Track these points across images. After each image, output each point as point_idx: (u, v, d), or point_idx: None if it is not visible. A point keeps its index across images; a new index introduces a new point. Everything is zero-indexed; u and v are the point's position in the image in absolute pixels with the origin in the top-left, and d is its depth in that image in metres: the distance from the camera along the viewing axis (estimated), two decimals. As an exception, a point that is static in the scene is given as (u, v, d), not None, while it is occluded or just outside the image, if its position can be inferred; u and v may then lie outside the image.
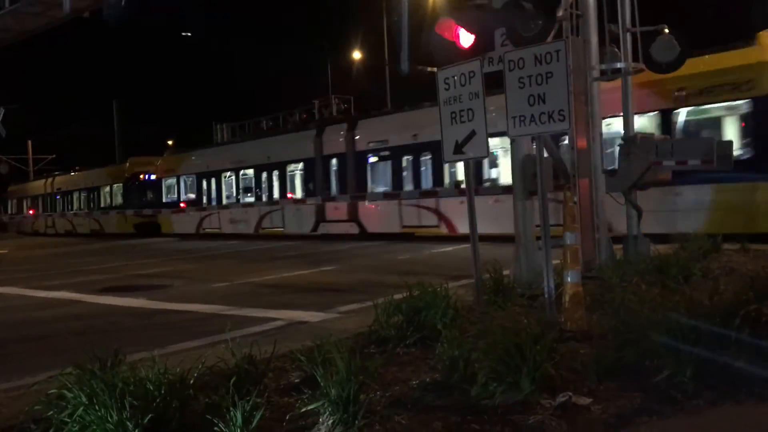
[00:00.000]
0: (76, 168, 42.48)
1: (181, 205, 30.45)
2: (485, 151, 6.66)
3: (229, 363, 4.36)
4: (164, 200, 31.61)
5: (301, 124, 27.87)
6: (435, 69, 7.42)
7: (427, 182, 20.00)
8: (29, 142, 56.03)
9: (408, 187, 20.53)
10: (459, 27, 7.42)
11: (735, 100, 13.44)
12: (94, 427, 3.48)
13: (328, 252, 17.98)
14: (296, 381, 4.57)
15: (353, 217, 22.12)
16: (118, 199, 35.90)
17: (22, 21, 18.73)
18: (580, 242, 6.74)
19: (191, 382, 3.94)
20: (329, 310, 8.07)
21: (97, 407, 3.52)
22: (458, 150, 6.68)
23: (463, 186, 17.69)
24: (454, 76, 6.63)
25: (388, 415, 3.83)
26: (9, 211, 52.84)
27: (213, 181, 28.74)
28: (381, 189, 21.63)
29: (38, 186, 46.73)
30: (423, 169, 20.05)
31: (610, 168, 11.15)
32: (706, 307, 4.51)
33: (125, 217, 33.55)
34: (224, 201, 28.11)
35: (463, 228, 16.80)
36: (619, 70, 9.67)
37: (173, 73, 74.97)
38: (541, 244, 6.27)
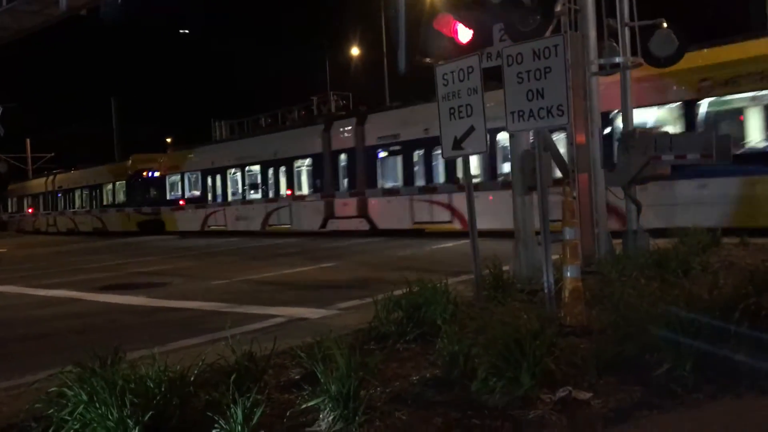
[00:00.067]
0: (77, 166, 42.31)
1: (181, 202, 30.35)
2: (484, 147, 6.66)
3: (230, 360, 4.36)
4: (168, 197, 31.42)
5: (308, 119, 27.69)
6: (435, 61, 7.39)
7: (438, 177, 19.73)
8: (28, 141, 56.06)
9: (420, 182, 20.24)
10: (457, 22, 7.42)
11: (763, 90, 13.00)
12: (95, 424, 3.48)
13: (328, 249, 17.98)
14: (296, 377, 4.57)
15: (363, 213, 21.88)
16: (121, 197, 35.74)
17: (19, 19, 18.73)
18: (580, 237, 6.74)
19: (191, 379, 3.95)
20: (329, 306, 8.07)
21: (97, 405, 3.52)
22: (457, 146, 6.67)
23: (476, 180, 17.85)
24: (452, 72, 6.61)
25: (389, 411, 3.83)
26: (9, 210, 52.77)
27: (218, 177, 28.49)
28: (391, 184, 21.35)
29: (39, 184, 46.58)
30: (435, 163, 19.71)
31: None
32: (706, 300, 4.51)
33: (128, 215, 33.51)
34: (230, 198, 27.87)
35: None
36: (617, 64, 9.66)
37: (171, 71, 74.83)
38: (540, 239, 6.27)
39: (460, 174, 18.74)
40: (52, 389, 3.86)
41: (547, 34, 7.47)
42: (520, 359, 3.94)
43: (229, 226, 27.29)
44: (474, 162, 18.35)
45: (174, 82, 73.62)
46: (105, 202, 37.25)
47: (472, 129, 6.50)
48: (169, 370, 3.85)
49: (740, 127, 13.68)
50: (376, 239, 19.79)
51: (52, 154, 56.14)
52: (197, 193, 29.76)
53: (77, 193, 40.59)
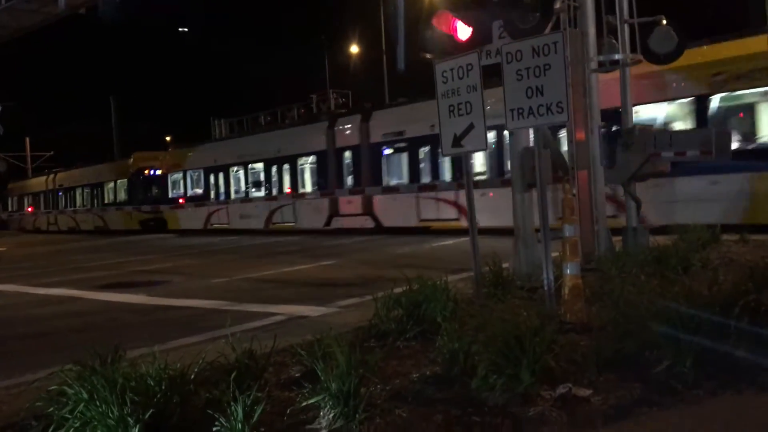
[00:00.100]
0: (78, 164, 42.20)
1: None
2: (484, 144, 6.64)
3: (230, 358, 4.36)
4: (170, 195, 31.23)
5: (312, 116, 27.58)
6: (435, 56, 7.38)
7: (445, 174, 19.57)
8: (27, 140, 56.03)
9: (426, 179, 20.04)
10: (456, 20, 7.41)
11: None
12: (95, 422, 3.48)
13: (328, 246, 17.98)
14: (297, 375, 4.58)
15: (368, 210, 21.69)
16: (123, 195, 35.59)
17: (17, 18, 18.74)
18: (579, 234, 6.74)
19: (192, 377, 3.94)
20: (329, 304, 8.08)
21: (97, 403, 3.52)
22: (457, 143, 6.66)
23: (484, 177, 17.82)
24: (451, 69, 6.61)
25: (389, 409, 3.84)
26: (9, 209, 52.68)
27: (221, 175, 28.30)
28: (397, 181, 21.16)
29: (40, 182, 46.43)
30: (441, 160, 19.46)
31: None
32: (706, 297, 4.51)
33: (130, 213, 33.41)
34: (233, 196, 27.72)
35: (485, 221, 16.41)
36: (617, 61, 9.66)
37: (170, 69, 74.76)
38: (540, 236, 6.27)
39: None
40: (53, 387, 3.86)
41: (547, 31, 7.46)
42: (520, 356, 3.94)
43: (232, 224, 27.15)
44: (481, 159, 18.33)
45: (173, 81, 73.59)
46: (107, 201, 37.13)
47: (471, 126, 6.50)
48: (170, 368, 3.85)
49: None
50: (376, 237, 19.79)
51: (52, 153, 56.16)
52: (200, 191, 29.60)
53: (78, 192, 40.47)
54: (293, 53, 79.65)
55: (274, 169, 25.66)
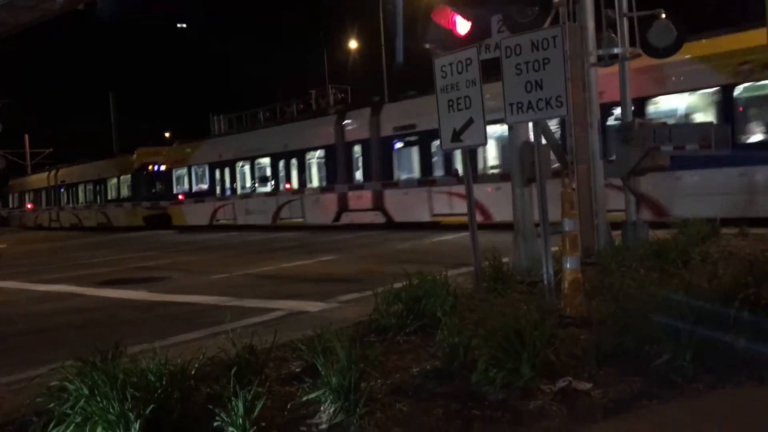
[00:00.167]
0: (80, 160, 42.06)
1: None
2: (483, 139, 6.63)
3: (230, 353, 4.37)
4: (174, 191, 31.00)
5: (320, 109, 27.34)
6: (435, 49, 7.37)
7: (458, 167, 18.87)
8: (26, 137, 56.01)
9: (438, 173, 19.70)
10: (455, 14, 7.40)
11: None
12: (96, 418, 3.48)
13: (328, 242, 17.99)
14: (297, 370, 4.58)
15: (378, 205, 21.36)
16: (126, 191, 35.30)
17: (15, 14, 18.71)
18: (579, 229, 6.74)
19: (192, 372, 3.95)
20: (329, 299, 8.08)
21: (98, 399, 3.53)
22: (456, 138, 6.66)
23: (495, 171, 17.68)
24: (450, 64, 6.60)
25: (389, 403, 3.84)
26: (10, 205, 52.58)
27: (227, 170, 27.98)
28: (409, 176, 20.78)
29: (41, 179, 46.18)
30: (454, 154, 18.80)
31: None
32: (705, 291, 4.51)
33: (134, 209, 33.17)
34: (239, 191, 27.37)
35: (499, 215, 16.03)
36: (616, 55, 9.65)
37: (169, 65, 74.70)
38: (540, 231, 6.27)
39: (480, 165, 18.31)
40: (53, 384, 3.86)
41: (546, 25, 7.46)
42: (520, 350, 3.95)
43: (238, 220, 26.76)
44: (493, 152, 18.17)
45: (172, 77, 73.55)
46: (110, 197, 36.87)
47: (471, 121, 6.49)
48: (170, 364, 3.86)
49: None
50: (374, 232, 19.77)
51: (51, 150, 56.11)
52: (205, 186, 29.32)
53: (81, 188, 40.29)
54: (292, 49, 79.65)
55: (281, 163, 25.33)
